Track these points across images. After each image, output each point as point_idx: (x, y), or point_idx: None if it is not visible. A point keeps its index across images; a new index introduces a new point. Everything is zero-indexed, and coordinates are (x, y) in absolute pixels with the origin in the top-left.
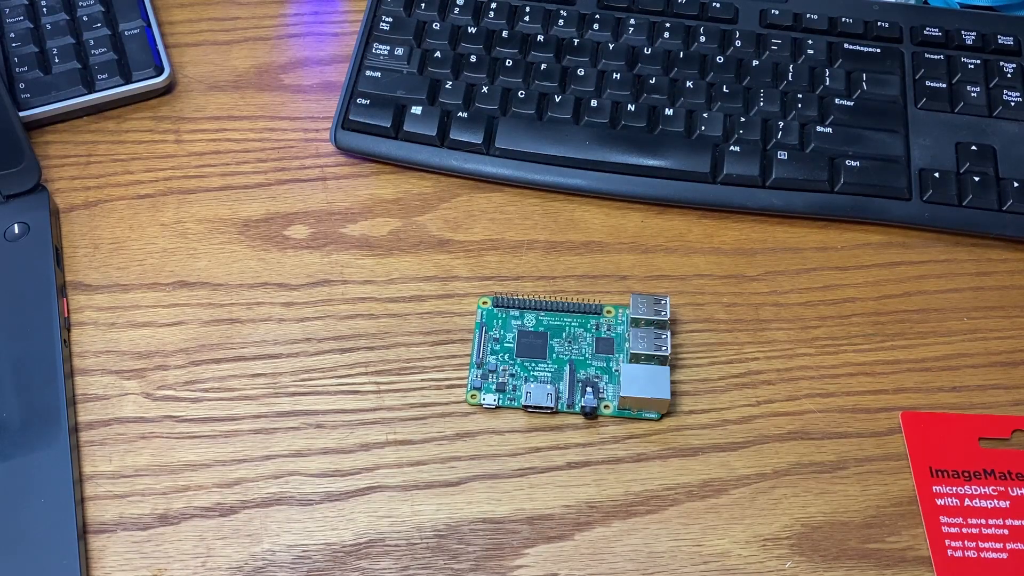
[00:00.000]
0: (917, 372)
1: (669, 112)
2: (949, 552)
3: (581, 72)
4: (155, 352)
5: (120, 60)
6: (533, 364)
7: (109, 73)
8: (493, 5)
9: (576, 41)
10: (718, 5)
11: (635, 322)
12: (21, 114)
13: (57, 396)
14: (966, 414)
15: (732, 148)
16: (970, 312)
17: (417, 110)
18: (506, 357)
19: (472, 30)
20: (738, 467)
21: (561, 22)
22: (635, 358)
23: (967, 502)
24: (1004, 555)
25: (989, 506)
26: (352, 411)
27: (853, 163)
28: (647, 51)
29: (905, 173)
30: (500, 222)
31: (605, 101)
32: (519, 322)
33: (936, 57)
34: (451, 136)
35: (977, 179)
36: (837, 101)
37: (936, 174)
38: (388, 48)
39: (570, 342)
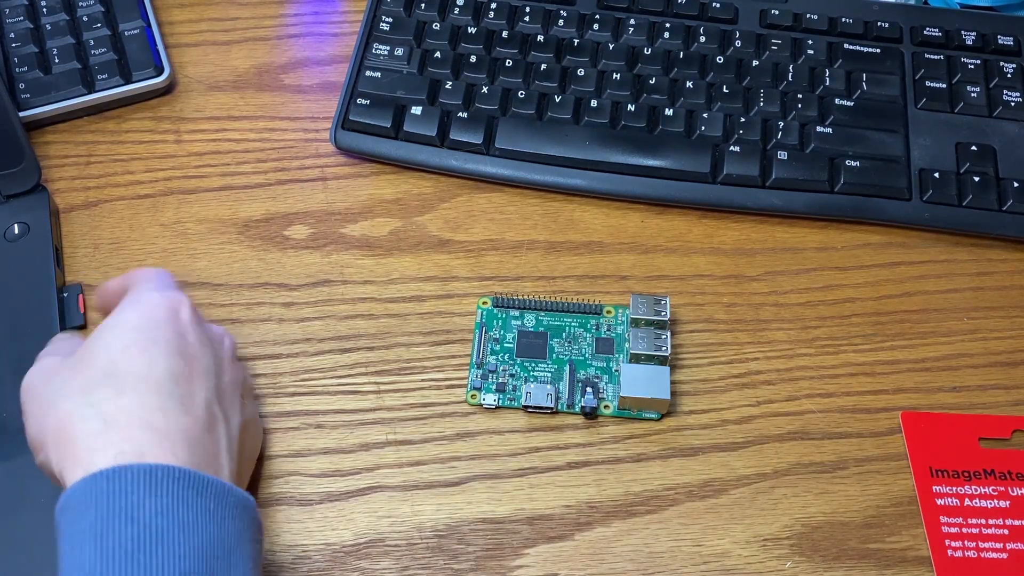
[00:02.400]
0: (917, 372)
1: (669, 112)
2: (949, 552)
3: (581, 72)
4: None
5: (120, 60)
6: (533, 364)
7: (109, 73)
8: (493, 5)
9: (576, 41)
10: (718, 5)
11: (635, 322)
12: (21, 114)
13: None
14: (966, 414)
15: (732, 148)
16: (970, 312)
17: (417, 110)
18: (506, 357)
19: (472, 30)
20: (738, 467)
21: (561, 22)
22: (635, 358)
23: (967, 502)
24: (1004, 555)
25: (989, 506)
26: (352, 411)
27: (853, 163)
28: (647, 51)
29: (905, 173)
30: (500, 222)
31: (605, 101)
32: (519, 322)
33: (936, 57)
34: (451, 136)
35: (977, 179)
36: (837, 101)
37: (936, 174)
38: (388, 48)
39: (570, 342)
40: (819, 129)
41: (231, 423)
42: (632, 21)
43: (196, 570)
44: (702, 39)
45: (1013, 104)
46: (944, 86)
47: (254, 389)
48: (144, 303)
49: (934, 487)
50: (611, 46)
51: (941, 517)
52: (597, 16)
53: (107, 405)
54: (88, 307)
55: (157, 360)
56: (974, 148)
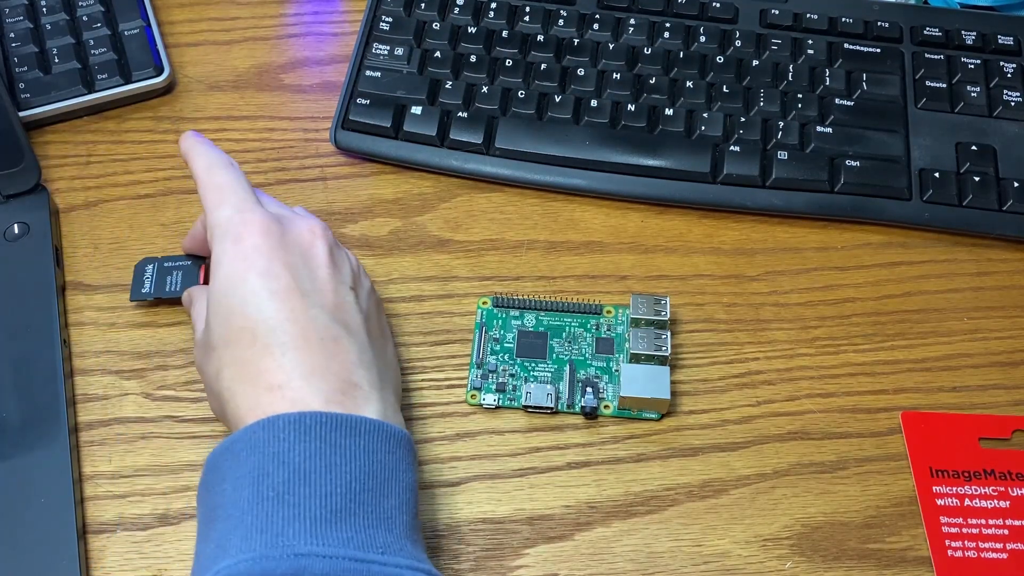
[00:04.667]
0: (917, 372)
1: (669, 112)
2: (949, 552)
3: (581, 72)
4: (155, 352)
5: (120, 60)
6: (533, 364)
7: (109, 73)
8: (493, 5)
9: (576, 41)
10: (718, 5)
11: (635, 322)
12: (21, 114)
13: (57, 396)
14: (966, 414)
15: (732, 148)
16: (970, 312)
17: (417, 110)
18: (506, 357)
19: (472, 30)
20: (738, 467)
21: (561, 22)
22: (635, 358)
23: (967, 502)
24: (1004, 555)
25: (989, 506)
26: None
27: (853, 163)
28: (647, 51)
29: (905, 173)
30: (500, 222)
31: (605, 101)
32: (519, 322)
33: (936, 57)
34: (451, 136)
35: (977, 179)
36: (837, 101)
37: (936, 174)
38: (388, 48)
39: (570, 342)
40: (819, 129)
41: (352, 330)
42: (632, 21)
43: (342, 505)
44: (702, 39)
45: (1013, 104)
46: (944, 86)
47: (359, 267)
48: (220, 265)
49: (934, 487)
50: (611, 46)
51: (941, 517)
52: (597, 16)
53: (236, 393)
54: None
55: (254, 320)
56: (974, 148)
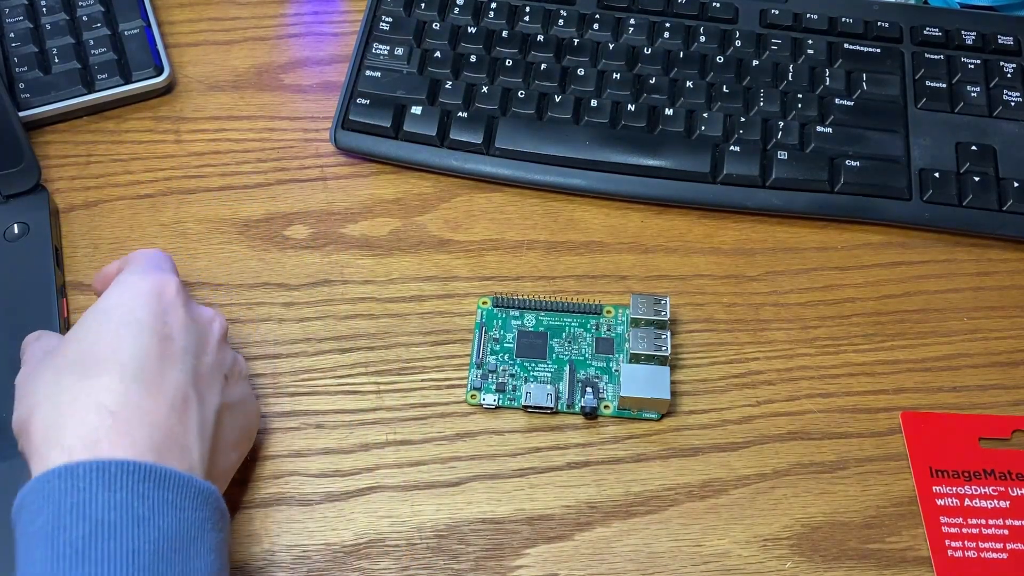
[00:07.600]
0: (917, 372)
1: (669, 112)
2: (949, 552)
3: (581, 72)
4: None
5: (120, 60)
6: (533, 364)
7: (109, 73)
8: (493, 5)
9: (576, 41)
10: (718, 5)
11: (635, 322)
12: (21, 114)
13: None
14: (966, 414)
15: (732, 148)
16: (970, 312)
17: (417, 110)
18: (506, 357)
19: (472, 30)
20: (738, 467)
21: (561, 22)
22: (635, 358)
23: (967, 502)
24: (1004, 555)
25: (989, 506)
26: (352, 411)
27: (853, 163)
28: (647, 51)
29: (905, 173)
30: (500, 222)
31: (605, 101)
32: (519, 322)
33: (936, 57)
34: (451, 136)
35: (977, 179)
36: (837, 101)
37: (936, 174)
38: (388, 48)
39: (570, 342)
40: (819, 129)
41: (206, 405)
42: (632, 21)
43: (151, 565)
44: (702, 39)
45: (1013, 104)
46: (944, 86)
47: (245, 372)
48: (124, 284)
49: (934, 487)
50: (611, 46)
51: (941, 517)
52: (597, 16)
53: (66, 394)
54: (72, 310)
55: (125, 341)
56: (974, 148)
